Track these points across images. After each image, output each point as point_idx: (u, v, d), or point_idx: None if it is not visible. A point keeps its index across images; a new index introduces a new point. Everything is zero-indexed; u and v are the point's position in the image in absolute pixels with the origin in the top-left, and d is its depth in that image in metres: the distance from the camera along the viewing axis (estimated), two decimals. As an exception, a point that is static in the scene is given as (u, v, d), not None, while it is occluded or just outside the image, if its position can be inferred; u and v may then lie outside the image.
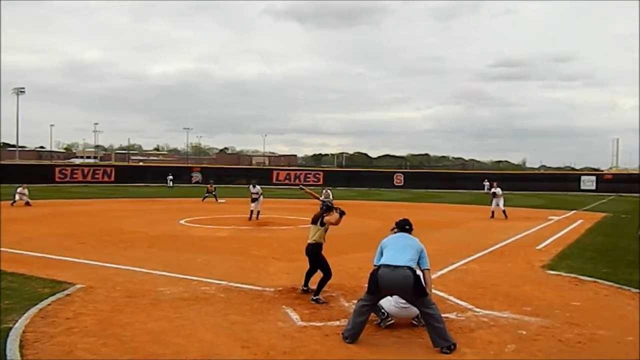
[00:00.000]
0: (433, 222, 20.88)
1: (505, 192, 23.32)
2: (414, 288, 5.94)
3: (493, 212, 22.48)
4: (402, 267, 6.02)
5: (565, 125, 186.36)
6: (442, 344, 5.73)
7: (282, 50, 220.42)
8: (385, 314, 6.54)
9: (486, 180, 47.41)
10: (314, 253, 8.10)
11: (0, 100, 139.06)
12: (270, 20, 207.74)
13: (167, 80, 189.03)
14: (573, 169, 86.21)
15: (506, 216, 21.78)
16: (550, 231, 17.64)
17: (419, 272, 6.22)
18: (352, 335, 5.98)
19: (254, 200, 20.21)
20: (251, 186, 20.63)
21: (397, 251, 6.20)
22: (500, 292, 8.60)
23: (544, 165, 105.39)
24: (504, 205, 22.50)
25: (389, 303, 6.54)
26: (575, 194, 48.58)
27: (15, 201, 25.61)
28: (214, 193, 31.99)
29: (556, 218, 22.49)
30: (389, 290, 6.17)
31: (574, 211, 27.13)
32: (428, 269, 6.43)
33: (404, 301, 6.35)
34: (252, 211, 20.07)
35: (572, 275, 9.94)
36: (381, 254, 6.34)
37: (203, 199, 31.00)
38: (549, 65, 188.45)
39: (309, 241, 8.22)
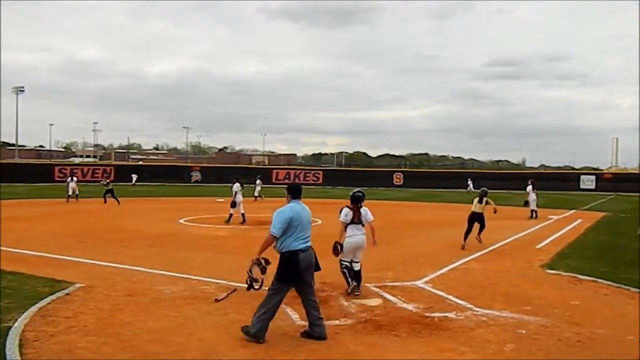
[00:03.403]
0: (433, 221, 20.90)
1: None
2: (316, 266, 6.21)
3: (532, 211, 22.39)
4: (311, 247, 6.18)
5: (564, 124, 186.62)
6: (324, 332, 5.99)
7: (279, 50, 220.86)
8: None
9: (469, 179, 48.28)
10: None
11: (0, 100, 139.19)
12: (265, 20, 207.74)
13: (165, 79, 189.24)
14: (573, 168, 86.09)
15: (533, 216, 22.05)
16: (549, 230, 17.66)
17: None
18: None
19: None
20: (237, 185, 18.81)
21: (306, 230, 6.17)
22: (499, 291, 8.60)
23: (543, 165, 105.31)
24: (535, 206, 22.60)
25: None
26: (574, 193, 48.59)
27: (69, 196, 27.82)
28: (108, 188, 27.40)
29: (556, 217, 22.52)
30: (307, 272, 6.11)
31: (574, 210, 27.15)
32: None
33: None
34: (242, 214, 18.41)
35: (572, 274, 9.94)
36: (285, 226, 6.02)
37: (105, 201, 26.87)
38: (545, 64, 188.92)
39: (478, 210, 13.83)
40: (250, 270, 6.10)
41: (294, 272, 5.98)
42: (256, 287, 6.11)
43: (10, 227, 15.89)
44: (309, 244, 6.15)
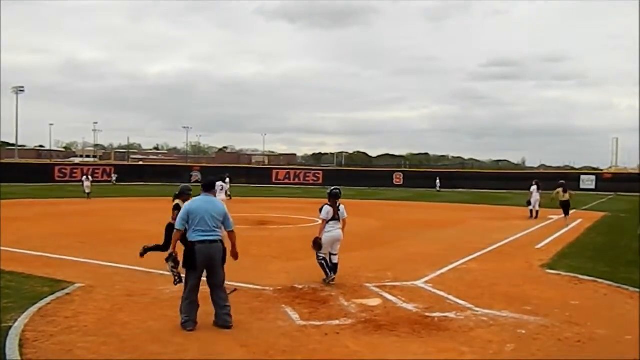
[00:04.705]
0: (433, 221, 20.90)
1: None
2: (222, 260, 6.41)
3: (531, 212, 22.49)
4: (216, 241, 6.36)
5: (563, 124, 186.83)
6: (230, 322, 6.30)
7: (277, 50, 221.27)
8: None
9: (437, 178, 49.76)
10: None
11: (0, 100, 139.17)
12: (263, 21, 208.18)
13: (165, 79, 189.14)
14: (573, 168, 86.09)
15: (533, 216, 22.18)
16: (549, 230, 17.65)
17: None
18: (192, 324, 6.26)
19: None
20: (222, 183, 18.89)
21: (207, 224, 6.34)
22: (499, 291, 8.60)
23: (543, 165, 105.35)
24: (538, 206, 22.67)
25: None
26: (574, 193, 48.42)
27: (88, 193, 29.37)
28: None
29: (556, 217, 22.46)
30: (206, 264, 6.35)
31: (574, 210, 27.04)
32: (232, 230, 6.65)
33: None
34: None
35: (572, 274, 9.94)
36: (186, 220, 6.36)
37: None
38: (542, 65, 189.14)
39: (566, 199, 17.53)
40: (174, 267, 6.49)
41: (192, 262, 6.26)
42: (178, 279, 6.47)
43: (10, 227, 15.89)
44: (210, 237, 6.31)
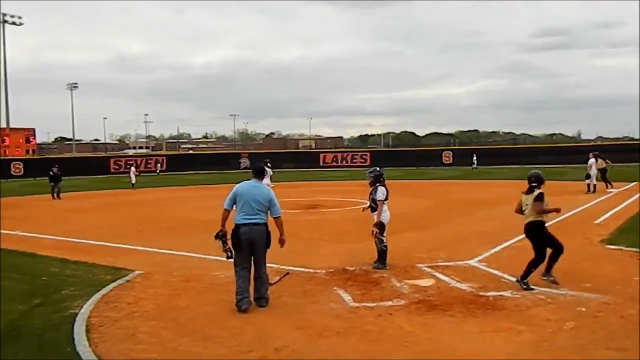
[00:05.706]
0: (485, 199, 20.45)
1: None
2: (266, 243, 6.62)
3: (589, 185, 21.77)
4: (259, 224, 6.56)
5: (621, 93, 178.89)
6: (260, 303, 6.59)
7: (319, 33, 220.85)
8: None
9: (474, 155, 48.92)
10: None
11: (1, 91, 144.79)
12: (303, 5, 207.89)
13: (210, 69, 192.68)
14: (632, 139, 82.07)
15: (590, 190, 21.41)
16: (608, 204, 16.97)
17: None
18: (247, 302, 6.49)
19: None
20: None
21: (251, 207, 6.59)
22: (557, 268, 8.32)
23: (600, 137, 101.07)
24: (595, 179, 21.90)
25: None
26: (635, 165, 46.40)
27: (134, 184, 30.51)
28: None
29: (615, 191, 21.59)
30: (249, 245, 6.58)
31: (634, 183, 25.94)
32: (279, 216, 6.77)
33: None
34: None
35: (634, 249, 9.54)
36: (233, 201, 6.70)
37: None
38: (596, 31, 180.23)
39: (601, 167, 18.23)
40: (223, 243, 6.77)
41: (237, 243, 6.58)
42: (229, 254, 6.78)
43: (72, 219, 16.64)
44: (252, 220, 6.56)
